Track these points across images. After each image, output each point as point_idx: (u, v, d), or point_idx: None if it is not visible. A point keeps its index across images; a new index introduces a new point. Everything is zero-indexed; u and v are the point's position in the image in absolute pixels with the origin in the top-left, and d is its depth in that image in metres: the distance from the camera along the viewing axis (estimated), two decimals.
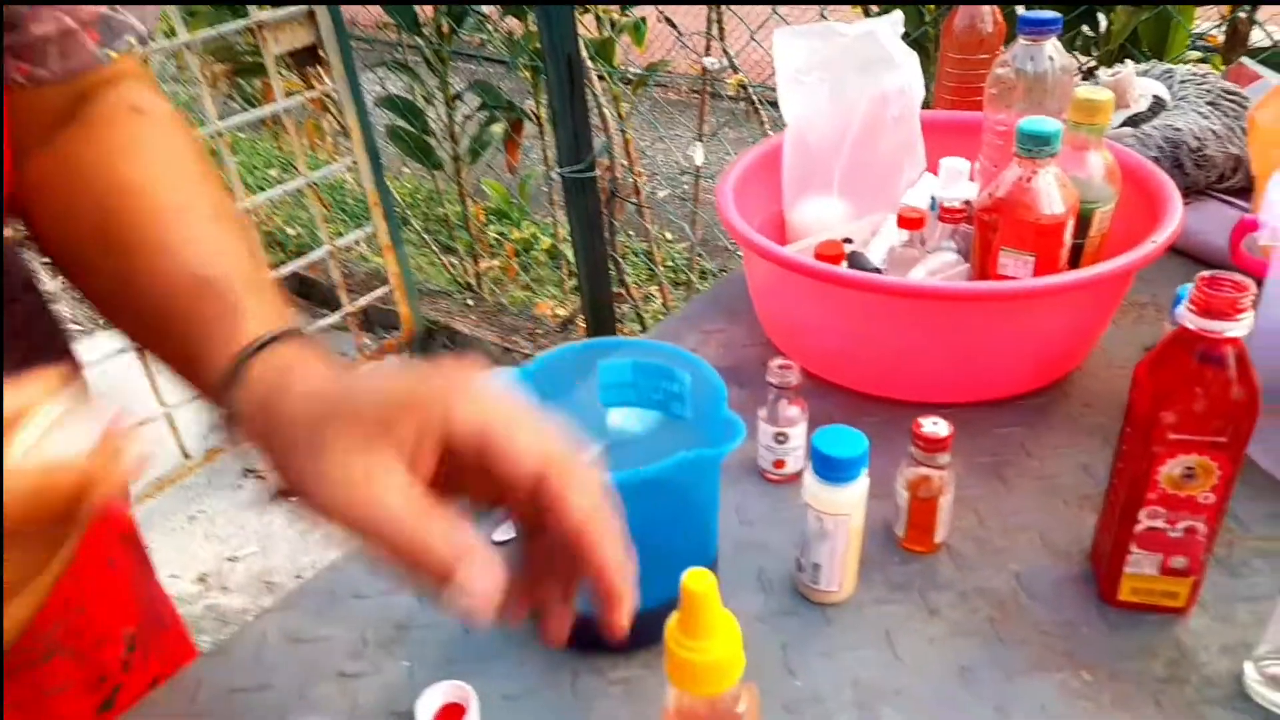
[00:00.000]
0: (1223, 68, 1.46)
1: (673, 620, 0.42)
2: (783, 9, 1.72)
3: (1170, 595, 0.62)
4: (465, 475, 0.39)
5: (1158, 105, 1.06)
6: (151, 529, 2.09)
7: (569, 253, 2.58)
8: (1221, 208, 1.01)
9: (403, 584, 0.39)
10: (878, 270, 0.89)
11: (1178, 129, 1.01)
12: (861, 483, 0.60)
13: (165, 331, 0.46)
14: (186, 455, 2.17)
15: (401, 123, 2.54)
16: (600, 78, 2.19)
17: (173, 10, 1.95)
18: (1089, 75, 1.32)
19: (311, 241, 3.06)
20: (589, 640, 0.61)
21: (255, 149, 3.77)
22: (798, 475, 0.74)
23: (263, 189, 3.53)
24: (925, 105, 0.97)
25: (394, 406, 0.38)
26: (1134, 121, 1.05)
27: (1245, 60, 1.20)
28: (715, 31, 1.96)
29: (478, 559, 0.37)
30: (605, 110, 2.16)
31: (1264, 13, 1.44)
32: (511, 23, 2.39)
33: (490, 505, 0.42)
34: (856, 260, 0.89)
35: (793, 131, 0.94)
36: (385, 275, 2.47)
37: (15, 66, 0.48)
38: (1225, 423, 0.55)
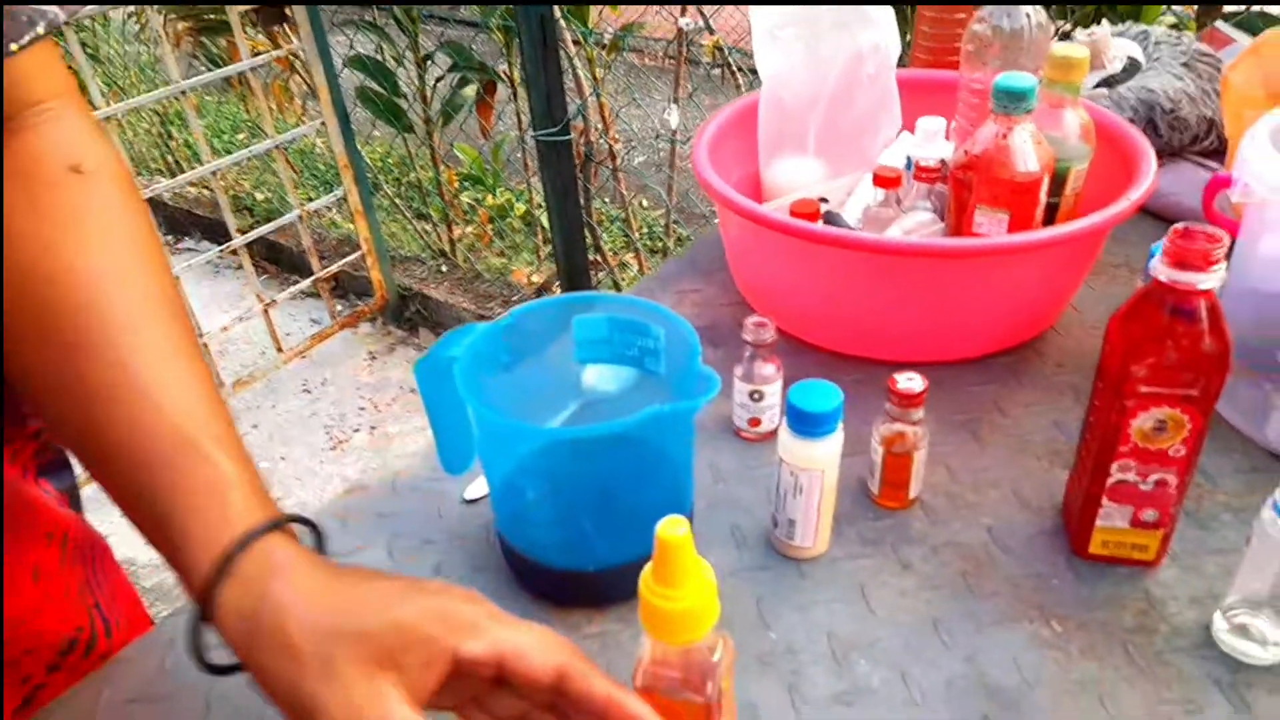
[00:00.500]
0: (1196, 31, 1.46)
1: (647, 570, 0.42)
2: None
3: (1140, 548, 0.62)
4: (481, 689, 0.41)
5: (1133, 66, 1.06)
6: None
7: (544, 219, 2.56)
8: (1195, 169, 1.02)
9: None
10: (851, 229, 0.89)
11: (1152, 90, 1.01)
12: (836, 438, 0.60)
13: (134, 484, 0.42)
14: None
15: (371, 84, 2.49)
16: (575, 42, 2.16)
17: None
18: (1065, 37, 1.31)
19: (280, 206, 3.01)
20: (564, 595, 0.62)
21: (221, 111, 3.70)
22: (772, 433, 0.74)
23: (229, 150, 3.47)
24: (901, 64, 0.96)
25: (401, 635, 0.38)
26: (1109, 82, 1.05)
27: (1219, 24, 1.20)
28: None
29: None
30: (580, 73, 2.13)
31: None
32: None
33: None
34: (832, 219, 0.88)
35: (768, 89, 0.93)
36: (357, 241, 2.44)
37: None
38: (1196, 375, 0.55)
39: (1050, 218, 0.82)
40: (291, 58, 2.29)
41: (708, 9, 1.96)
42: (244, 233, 2.11)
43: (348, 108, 2.28)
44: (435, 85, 2.51)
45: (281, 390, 2.42)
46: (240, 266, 2.20)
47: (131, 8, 1.91)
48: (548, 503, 0.61)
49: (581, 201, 2.01)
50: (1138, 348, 0.56)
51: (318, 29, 2.11)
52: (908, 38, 1.04)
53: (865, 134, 0.96)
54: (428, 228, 2.85)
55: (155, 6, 1.87)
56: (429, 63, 2.46)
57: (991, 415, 0.76)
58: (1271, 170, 0.67)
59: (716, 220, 2.71)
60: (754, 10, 0.91)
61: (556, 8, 1.82)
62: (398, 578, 0.41)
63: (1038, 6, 0.86)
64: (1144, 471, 0.59)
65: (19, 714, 0.57)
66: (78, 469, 0.62)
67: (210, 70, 2.16)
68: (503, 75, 2.45)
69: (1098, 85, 1.05)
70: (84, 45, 2.43)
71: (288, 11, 2.07)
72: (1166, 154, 1.03)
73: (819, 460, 0.59)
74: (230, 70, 2.10)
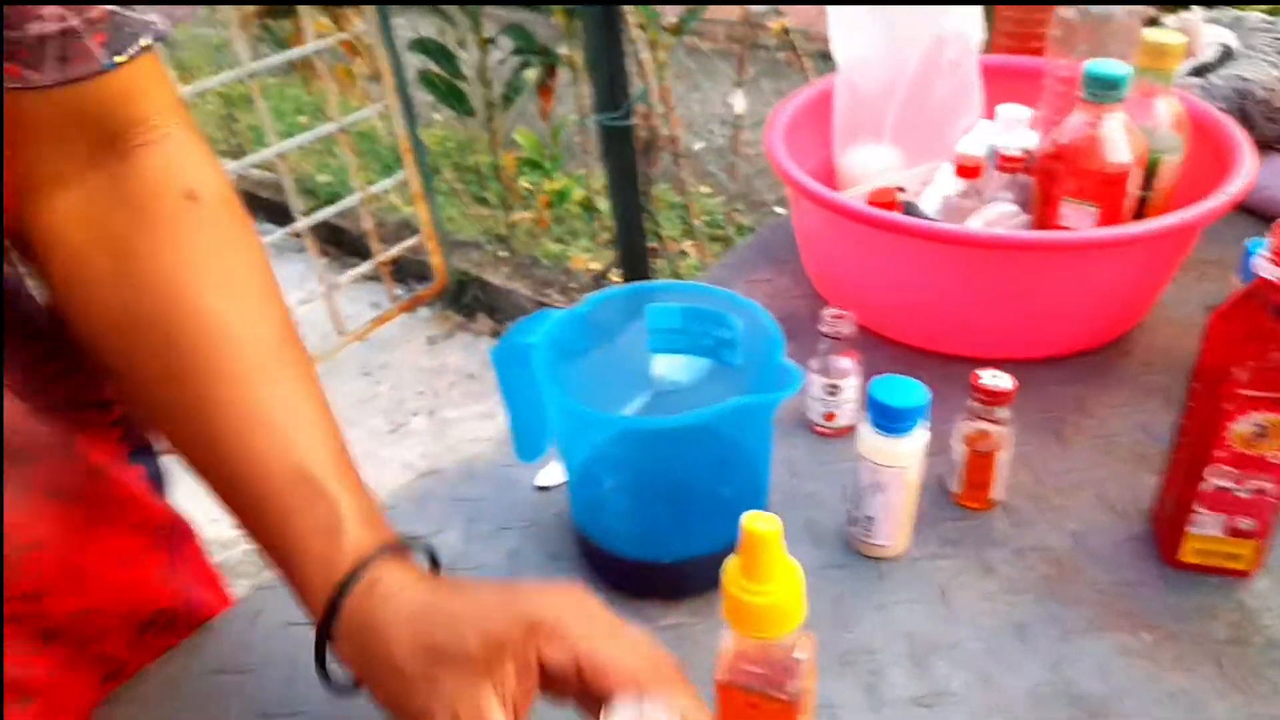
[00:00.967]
0: None
1: (731, 562, 0.41)
2: None
3: (1234, 557, 0.60)
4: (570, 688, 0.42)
5: (1225, 54, 1.02)
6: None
7: (602, 205, 2.55)
8: None
9: None
10: (931, 220, 0.87)
11: (1246, 79, 0.97)
12: (919, 434, 0.58)
13: (257, 515, 0.45)
14: None
15: (434, 67, 2.50)
16: (638, 25, 2.14)
17: None
18: (1153, 23, 1.27)
19: (342, 189, 3.04)
20: (638, 586, 0.61)
21: (284, 94, 3.75)
22: (848, 429, 0.72)
23: (291, 133, 3.52)
24: (982, 49, 0.94)
25: (495, 647, 0.40)
26: (1200, 71, 1.01)
27: None
28: None
29: None
30: (642, 56, 2.11)
31: None
32: None
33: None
34: (909, 209, 0.86)
35: (844, 75, 0.91)
36: (416, 225, 2.46)
37: (7, 68, 0.42)
38: None
39: (1140, 211, 0.79)
40: (355, 41, 2.31)
41: None
42: (307, 215, 2.14)
43: (409, 91, 2.29)
44: (497, 68, 2.51)
45: (341, 373, 2.45)
46: (303, 249, 2.22)
47: None
48: (624, 492, 0.60)
49: (641, 187, 2.00)
50: (1239, 348, 0.54)
51: (382, 12, 2.12)
52: (989, 22, 1.01)
53: (944, 122, 0.93)
54: (485, 212, 2.87)
55: None
56: (491, 46, 2.47)
57: (1076, 416, 0.73)
58: None
59: (778, 208, 2.67)
60: None
61: None
62: (494, 588, 0.43)
63: None
64: (1241, 478, 0.57)
65: (102, 687, 0.58)
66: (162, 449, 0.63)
67: (275, 53, 2.19)
68: (564, 59, 2.45)
69: (1189, 74, 1.02)
70: None
71: None
72: (1260, 146, 0.98)
73: (901, 457, 0.58)
74: (296, 53, 2.12)
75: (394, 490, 0.71)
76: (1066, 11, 0.83)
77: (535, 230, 2.85)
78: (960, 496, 0.66)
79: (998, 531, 0.64)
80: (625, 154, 1.81)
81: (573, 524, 0.64)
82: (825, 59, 0.91)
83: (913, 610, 0.59)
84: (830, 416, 0.72)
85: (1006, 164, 0.84)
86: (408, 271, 2.76)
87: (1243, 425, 0.55)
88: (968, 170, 0.84)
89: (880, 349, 0.80)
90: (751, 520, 0.39)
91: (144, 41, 0.45)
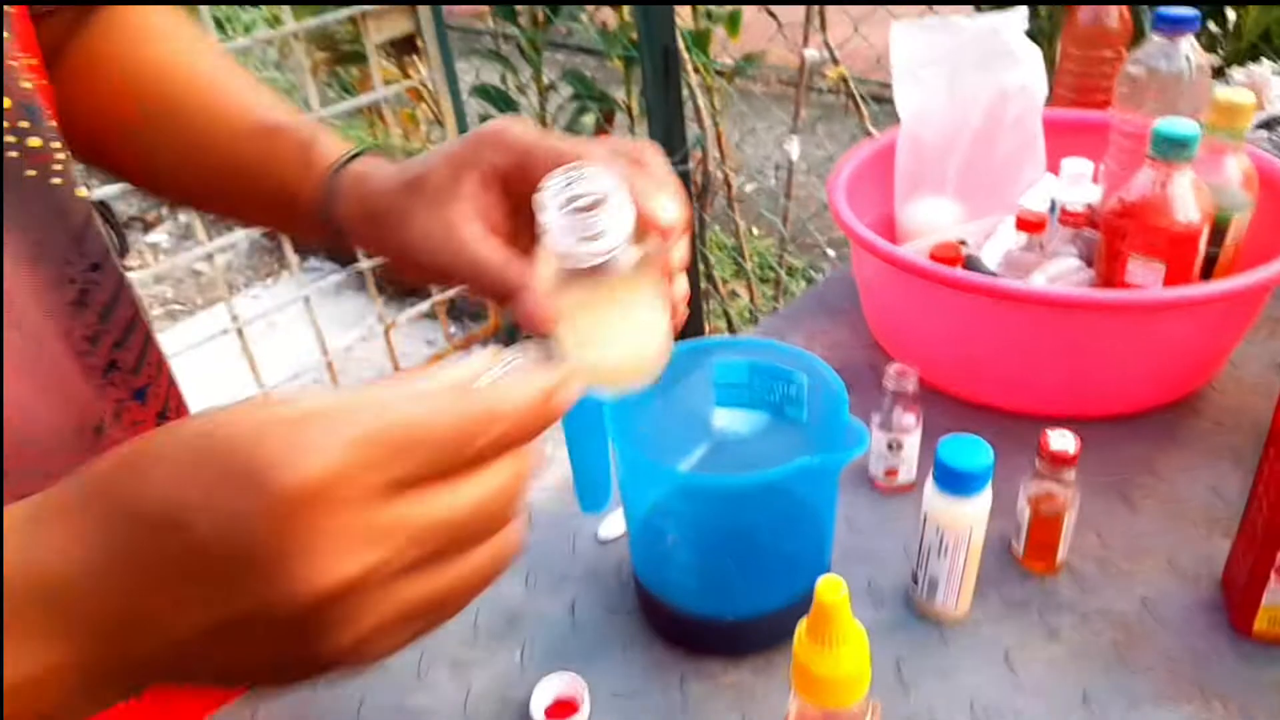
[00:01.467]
0: None
1: (802, 627, 0.41)
2: (894, 6, 1.68)
3: None
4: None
5: None
6: None
7: None
8: None
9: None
10: (994, 274, 0.86)
11: None
12: (985, 496, 0.58)
13: (245, 181, 0.52)
14: None
15: (495, 112, 2.56)
16: (694, 69, 2.17)
17: None
18: (1218, 74, 1.26)
19: None
20: (699, 642, 0.61)
21: (349, 137, 3.85)
22: (910, 485, 0.72)
23: None
24: (1045, 102, 0.94)
25: (456, 166, 0.44)
26: (1269, 124, 1.00)
27: None
28: (817, 23, 1.93)
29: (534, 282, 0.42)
30: (699, 102, 2.14)
31: None
32: (605, 13, 2.39)
33: None
34: (972, 264, 0.86)
35: (907, 128, 0.92)
36: None
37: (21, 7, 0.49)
38: None
39: (1209, 269, 0.78)
40: (420, 87, 2.37)
41: (834, 38, 1.94)
42: (370, 255, 2.19)
43: None
44: (556, 113, 2.56)
45: None
46: (362, 288, 2.27)
47: (274, 36, 2.01)
48: (688, 547, 0.61)
49: (696, 231, 2.01)
50: None
51: (447, 58, 2.18)
52: (1051, 75, 1.01)
53: (1007, 176, 0.93)
54: None
55: (299, 37, 1.96)
56: (551, 91, 2.51)
57: (1143, 477, 0.72)
58: None
59: (829, 249, 2.66)
60: (895, 47, 0.90)
61: (680, 38, 1.83)
62: (450, 151, 0.46)
63: (1196, 46, 0.83)
64: None
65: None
66: None
67: (343, 98, 2.26)
68: (621, 104, 2.49)
69: (1257, 126, 1.00)
70: None
71: (419, 43, 2.15)
72: None
73: (966, 519, 0.58)
74: (365, 99, 2.18)
75: None
76: (1134, 68, 0.83)
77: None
78: (1025, 559, 0.65)
79: (1063, 596, 0.63)
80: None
81: (634, 577, 0.64)
82: (879, 103, 0.92)
83: (976, 675, 0.58)
84: (892, 473, 0.72)
85: (1069, 219, 0.84)
86: (463, 310, 2.81)
87: None
88: (1030, 225, 0.83)
89: (941, 404, 0.80)
90: (823, 586, 0.39)
91: None
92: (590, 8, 2.40)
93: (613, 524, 0.70)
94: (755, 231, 2.92)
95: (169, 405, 0.54)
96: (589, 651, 0.62)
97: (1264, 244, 0.77)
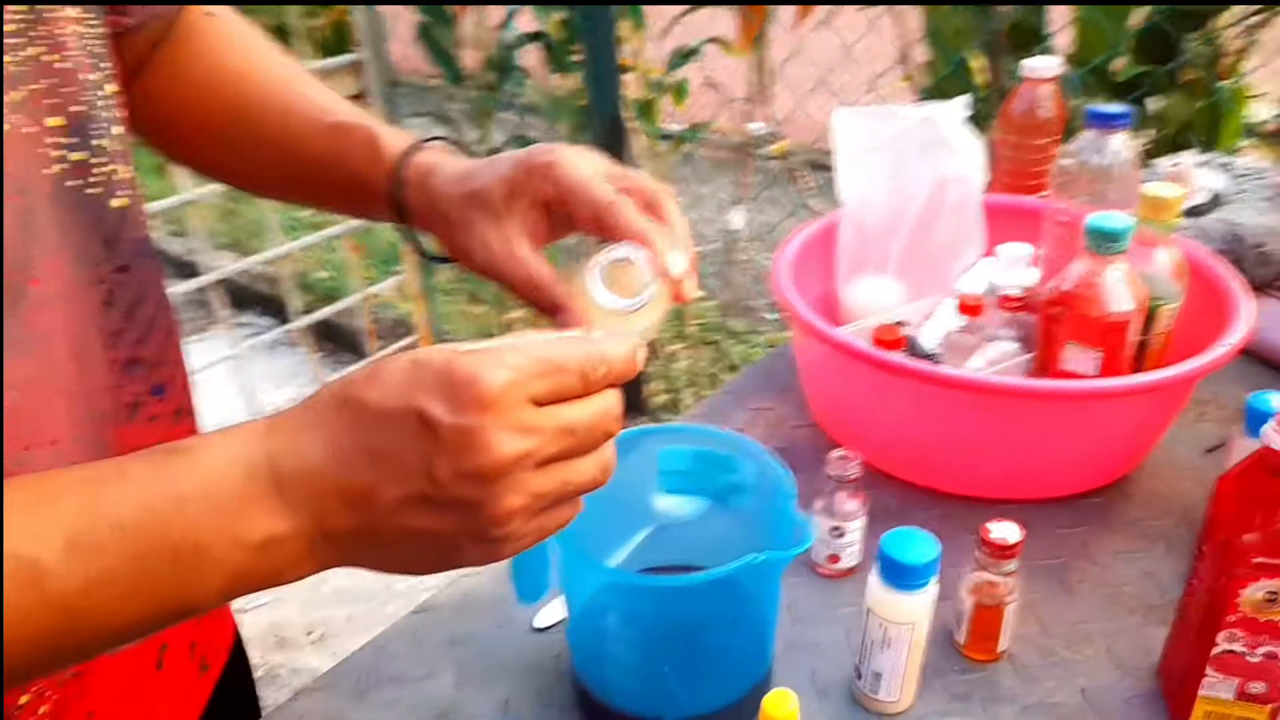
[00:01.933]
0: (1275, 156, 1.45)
1: None
2: (835, 81, 1.73)
3: None
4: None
5: (1216, 198, 1.05)
6: None
7: None
8: None
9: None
10: (933, 356, 0.87)
11: (1238, 224, 1.00)
12: (930, 590, 0.58)
13: (321, 173, 0.58)
14: None
15: None
16: (641, 132, 2.20)
17: None
18: (1148, 156, 1.30)
19: (339, 284, 3.06)
20: None
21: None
22: (852, 570, 0.71)
23: (293, 228, 3.54)
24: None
25: (511, 188, 0.51)
26: (1193, 213, 1.04)
27: None
28: (762, 97, 1.97)
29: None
30: (645, 167, 2.16)
31: None
32: (554, 79, 2.41)
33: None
34: (912, 345, 0.87)
35: (850, 211, 0.93)
36: (411, 323, 2.47)
37: (111, 20, 0.52)
38: None
39: (1140, 356, 0.80)
40: None
41: (780, 113, 1.98)
42: (305, 312, 2.15)
43: None
44: None
45: None
46: (296, 344, 2.23)
47: None
48: (628, 645, 0.59)
49: None
50: (1248, 514, 0.54)
51: (392, 116, 2.18)
52: (989, 161, 1.04)
53: (946, 258, 0.95)
54: (480, 310, 2.88)
55: None
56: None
57: (1081, 562, 0.73)
58: None
59: (768, 314, 2.68)
60: (839, 135, 0.92)
61: (624, 109, 1.86)
62: (511, 154, 0.52)
63: (1128, 141, 0.86)
64: (1252, 643, 0.56)
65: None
66: None
67: None
68: None
69: (1182, 213, 1.04)
70: None
71: (366, 103, 2.14)
72: (1253, 288, 1.00)
73: (911, 613, 0.57)
74: None
75: (390, 625, 0.69)
76: (1067, 160, 0.86)
77: (531, 329, 2.86)
78: (966, 647, 0.65)
79: (1005, 686, 0.63)
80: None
81: (572, 671, 0.62)
82: (820, 169, 0.94)
83: None
84: (834, 559, 0.71)
85: (1007, 303, 0.86)
86: None
87: (1253, 591, 0.54)
88: (970, 309, 0.85)
89: (882, 487, 0.80)
90: (773, 704, 0.39)
91: None
92: (538, 73, 2.42)
93: (550, 611, 0.68)
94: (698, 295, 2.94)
95: (184, 405, 0.56)
96: None
97: (1191, 329, 0.79)
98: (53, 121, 0.44)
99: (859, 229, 0.93)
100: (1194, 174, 1.06)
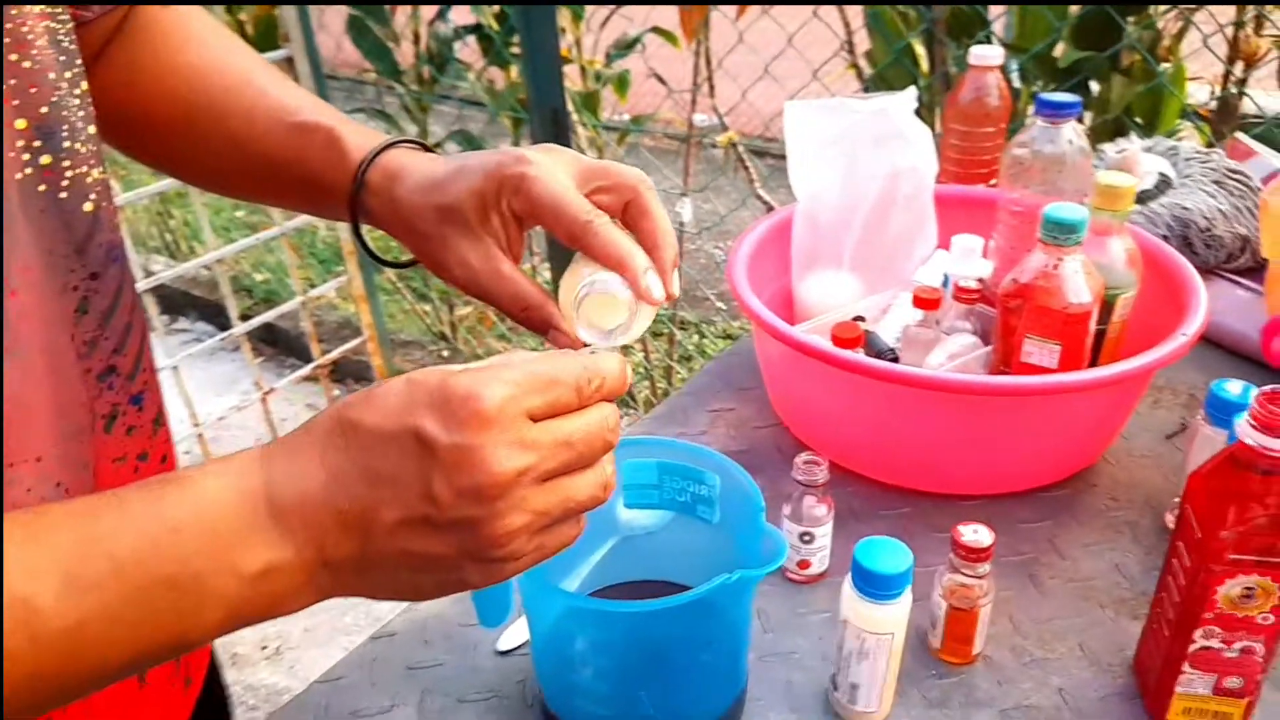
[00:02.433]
0: (1210, 138, 1.47)
1: None
2: (778, 69, 1.71)
3: (1224, 716, 0.58)
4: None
5: (1164, 183, 1.06)
6: None
7: None
8: (1231, 288, 1.00)
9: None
10: (893, 350, 0.86)
11: (1186, 208, 1.00)
12: (905, 599, 0.56)
13: (280, 173, 0.56)
14: None
15: None
16: (583, 125, 2.17)
17: None
18: (1096, 140, 1.31)
19: (279, 286, 2.99)
20: None
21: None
22: (822, 575, 0.70)
23: (228, 229, 3.44)
24: None
25: (483, 202, 0.49)
26: (1141, 199, 1.04)
27: (1239, 135, 1.20)
28: (705, 88, 1.95)
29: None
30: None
31: (1254, 81, 1.46)
32: (493, 72, 2.37)
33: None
34: (871, 341, 0.86)
35: (804, 207, 0.92)
36: (356, 324, 2.41)
37: (70, 11, 0.49)
38: None
39: (1098, 345, 0.80)
40: None
41: (722, 104, 1.96)
42: (244, 317, 2.08)
43: None
44: None
45: None
46: (237, 348, 2.16)
47: None
48: (598, 673, 0.57)
49: None
50: (1222, 511, 0.54)
51: None
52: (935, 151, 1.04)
53: (901, 252, 0.94)
54: (426, 309, 2.83)
55: None
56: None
57: (1049, 556, 0.72)
58: None
59: (719, 303, 2.65)
60: (790, 129, 0.90)
61: (570, 100, 1.82)
62: (482, 155, 0.50)
63: (1078, 130, 0.86)
64: (1229, 639, 0.56)
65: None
66: None
67: None
68: None
69: None
70: None
71: None
72: (1202, 272, 1.01)
73: (887, 623, 0.56)
74: None
75: (348, 655, 0.66)
76: (1019, 150, 0.85)
77: (478, 328, 2.82)
78: (941, 650, 0.64)
79: (981, 690, 0.62)
80: (570, 255, 1.82)
81: (538, 697, 0.60)
82: (764, 157, 0.92)
83: None
84: (804, 565, 0.70)
85: (963, 295, 0.85)
86: (347, 372, 2.71)
87: (1230, 588, 0.54)
88: (927, 302, 0.84)
89: (848, 487, 0.79)
90: None
91: None
92: (477, 65, 2.38)
93: (513, 633, 0.66)
94: None
95: (160, 413, 0.54)
96: None
97: (1146, 316, 0.79)
98: (19, 124, 0.42)
99: (813, 224, 0.92)
100: (1141, 160, 1.06)
